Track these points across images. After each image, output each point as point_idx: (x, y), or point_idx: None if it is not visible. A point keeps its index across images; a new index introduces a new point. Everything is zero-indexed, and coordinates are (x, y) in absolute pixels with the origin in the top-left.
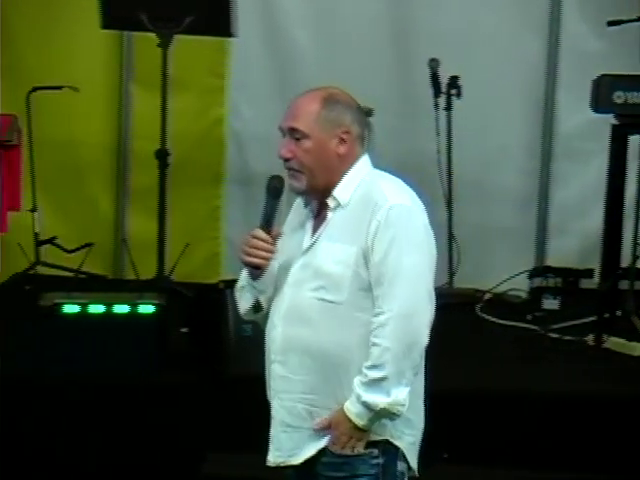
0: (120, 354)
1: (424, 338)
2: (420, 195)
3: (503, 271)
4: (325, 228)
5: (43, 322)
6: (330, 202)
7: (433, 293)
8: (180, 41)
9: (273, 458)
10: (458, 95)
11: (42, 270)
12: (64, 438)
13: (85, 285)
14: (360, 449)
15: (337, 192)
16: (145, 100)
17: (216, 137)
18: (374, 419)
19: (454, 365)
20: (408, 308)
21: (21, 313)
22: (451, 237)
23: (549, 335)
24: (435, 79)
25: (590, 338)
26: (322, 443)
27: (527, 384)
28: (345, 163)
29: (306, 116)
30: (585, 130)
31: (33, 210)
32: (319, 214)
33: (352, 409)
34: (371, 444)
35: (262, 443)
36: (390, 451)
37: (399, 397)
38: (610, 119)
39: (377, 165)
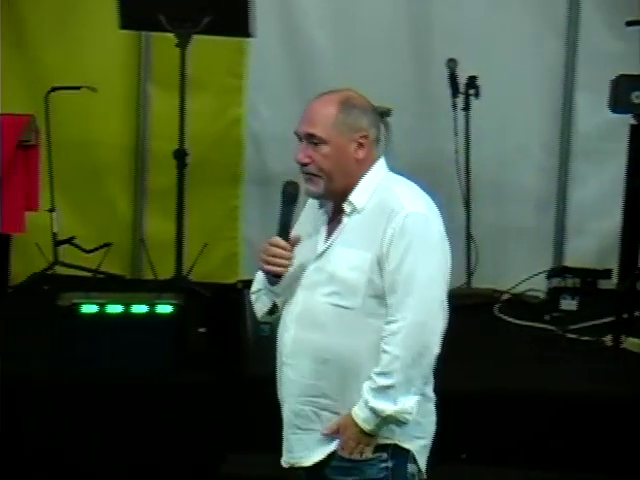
0: (138, 354)
1: (435, 348)
2: (435, 196)
3: (521, 271)
4: (340, 233)
5: (61, 322)
6: (346, 207)
7: (446, 302)
8: (198, 41)
9: (286, 459)
10: (476, 95)
11: (60, 270)
12: (83, 438)
13: (103, 285)
14: (368, 454)
15: (353, 197)
16: (163, 100)
17: (234, 137)
18: (381, 425)
19: (471, 365)
20: (421, 317)
21: (39, 313)
22: (469, 237)
23: (567, 335)
24: (453, 79)
25: (608, 339)
26: (331, 447)
27: (544, 384)
28: (363, 167)
29: (323, 121)
30: (603, 130)
31: (51, 210)
32: (334, 217)
33: (360, 414)
34: (380, 448)
35: (280, 443)
36: (400, 454)
37: (406, 405)
38: (628, 119)
39: (395, 166)
